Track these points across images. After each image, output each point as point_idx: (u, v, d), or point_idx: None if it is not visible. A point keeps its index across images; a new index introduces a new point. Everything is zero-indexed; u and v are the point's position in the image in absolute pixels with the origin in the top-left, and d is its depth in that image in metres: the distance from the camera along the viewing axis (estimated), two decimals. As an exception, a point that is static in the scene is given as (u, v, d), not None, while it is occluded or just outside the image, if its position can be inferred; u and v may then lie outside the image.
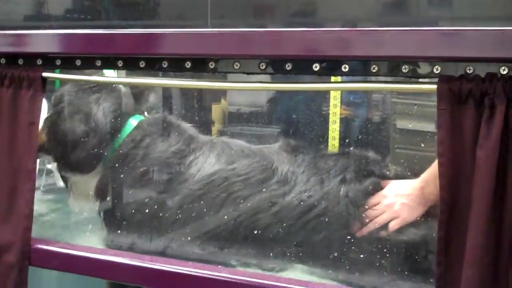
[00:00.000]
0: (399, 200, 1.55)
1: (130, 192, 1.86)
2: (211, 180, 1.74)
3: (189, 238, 1.72)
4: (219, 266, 1.49)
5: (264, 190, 1.70)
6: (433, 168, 1.45)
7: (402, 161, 1.93)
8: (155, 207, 1.78)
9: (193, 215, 1.73)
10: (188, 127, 1.97)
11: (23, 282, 1.56)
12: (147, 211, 1.79)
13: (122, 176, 1.88)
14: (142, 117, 1.99)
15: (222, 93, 3.25)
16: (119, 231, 1.79)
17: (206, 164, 1.79)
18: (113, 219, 1.87)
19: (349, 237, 1.60)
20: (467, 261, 1.13)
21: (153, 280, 1.50)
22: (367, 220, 1.58)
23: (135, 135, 1.90)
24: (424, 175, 1.54)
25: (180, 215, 1.75)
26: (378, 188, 1.62)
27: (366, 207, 1.59)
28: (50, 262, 1.58)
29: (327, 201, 1.63)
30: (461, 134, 1.15)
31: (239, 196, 1.71)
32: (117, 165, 1.90)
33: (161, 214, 1.77)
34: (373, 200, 1.60)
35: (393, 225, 1.56)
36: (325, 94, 2.30)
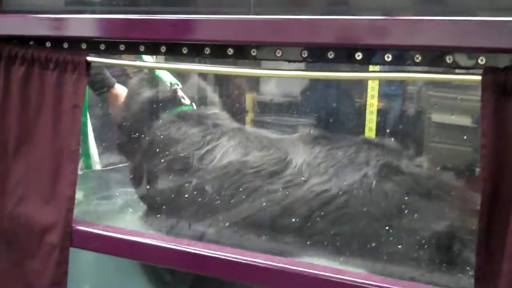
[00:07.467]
0: None
1: (159, 177, 1.88)
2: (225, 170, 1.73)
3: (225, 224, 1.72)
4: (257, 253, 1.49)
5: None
6: None
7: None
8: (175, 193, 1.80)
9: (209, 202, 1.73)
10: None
11: (64, 262, 1.60)
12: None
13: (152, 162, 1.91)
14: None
15: (255, 82, 3.25)
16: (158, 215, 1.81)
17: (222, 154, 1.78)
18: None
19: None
20: (507, 254, 1.12)
21: (190, 264, 1.52)
22: None
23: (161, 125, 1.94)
24: None
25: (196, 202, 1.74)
26: None
27: None
28: (90, 243, 1.61)
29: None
30: (505, 125, 1.14)
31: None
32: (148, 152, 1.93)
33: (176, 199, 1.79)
34: None
35: None
36: (362, 84, 2.29)
